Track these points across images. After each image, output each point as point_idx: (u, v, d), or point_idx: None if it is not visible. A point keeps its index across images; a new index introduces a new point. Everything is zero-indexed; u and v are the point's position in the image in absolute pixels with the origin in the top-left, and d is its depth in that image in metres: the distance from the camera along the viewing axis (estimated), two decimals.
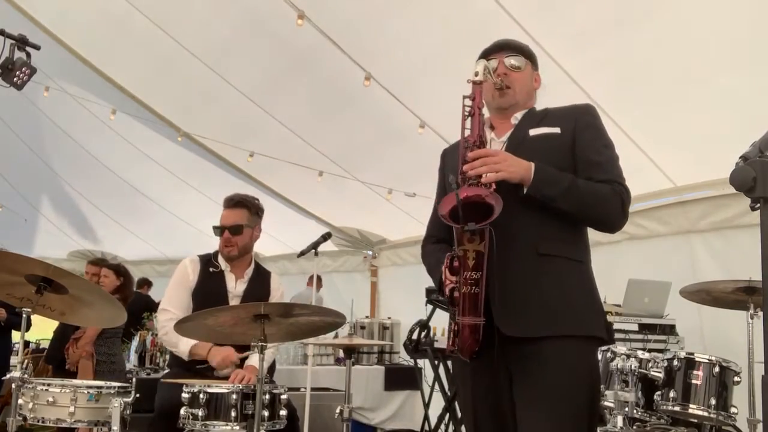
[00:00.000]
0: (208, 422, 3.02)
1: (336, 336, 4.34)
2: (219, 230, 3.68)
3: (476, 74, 2.14)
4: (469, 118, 2.15)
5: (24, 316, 3.03)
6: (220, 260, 3.72)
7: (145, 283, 8.76)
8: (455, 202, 1.98)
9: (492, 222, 1.96)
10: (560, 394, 2.01)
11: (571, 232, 2.18)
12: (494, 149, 2.16)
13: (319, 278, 8.45)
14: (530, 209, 2.09)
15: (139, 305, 6.81)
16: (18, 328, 5.85)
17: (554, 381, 2.01)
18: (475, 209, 1.98)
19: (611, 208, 2.15)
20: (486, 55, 2.31)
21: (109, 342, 5.31)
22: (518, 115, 2.31)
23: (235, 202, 3.70)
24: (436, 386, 5.88)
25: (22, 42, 3.02)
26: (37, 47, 3.09)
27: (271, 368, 3.94)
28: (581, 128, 2.22)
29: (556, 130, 2.21)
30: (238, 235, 3.65)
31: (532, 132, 2.23)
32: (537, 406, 2.02)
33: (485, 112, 2.26)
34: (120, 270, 5.74)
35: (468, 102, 2.15)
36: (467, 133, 2.14)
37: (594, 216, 2.17)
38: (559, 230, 2.14)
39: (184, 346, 3.49)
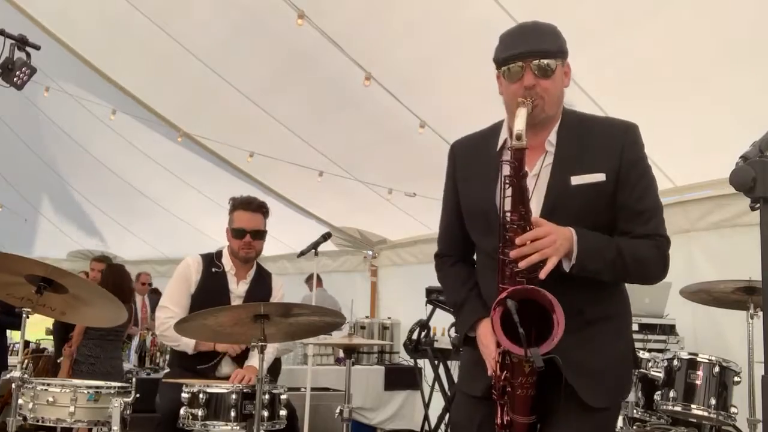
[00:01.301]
0: (207, 422, 3.02)
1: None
2: (240, 233, 3.65)
3: (518, 137, 1.83)
4: (510, 188, 1.89)
5: (24, 316, 3.03)
6: (224, 261, 3.71)
7: (155, 291, 8.79)
8: (505, 308, 1.81)
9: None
10: None
11: (614, 285, 2.11)
12: (542, 228, 1.88)
13: (318, 277, 8.47)
14: (564, 273, 1.93)
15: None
16: (11, 328, 5.88)
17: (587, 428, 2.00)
18: (527, 304, 1.83)
19: (655, 269, 2.06)
20: (509, 60, 1.99)
21: (90, 343, 5.22)
22: (552, 139, 2.03)
23: (256, 206, 3.72)
24: (436, 386, 5.88)
25: (22, 42, 3.02)
26: (37, 47, 3.09)
27: (276, 368, 3.93)
28: (626, 168, 1.99)
29: (601, 177, 1.97)
30: (259, 239, 3.69)
31: (575, 181, 1.97)
32: None
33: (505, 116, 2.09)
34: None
35: (509, 170, 1.88)
36: (507, 204, 1.90)
37: (637, 279, 2.10)
38: (600, 290, 2.04)
39: (187, 339, 3.49)
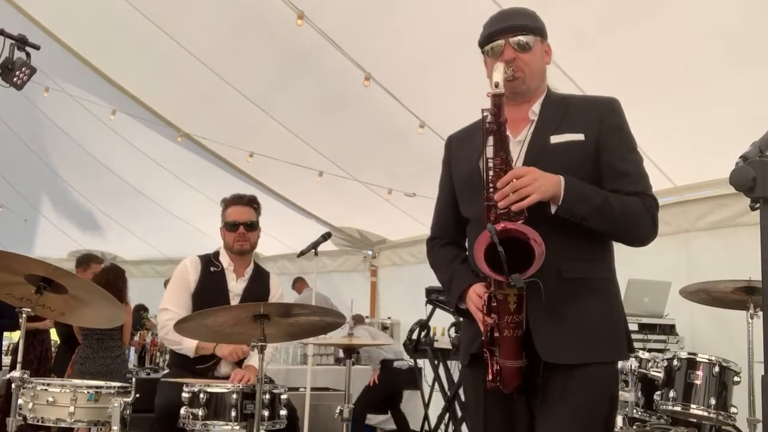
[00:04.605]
0: (208, 422, 3.02)
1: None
2: (233, 226, 3.69)
3: (496, 85, 1.92)
4: (491, 135, 1.96)
5: (24, 316, 3.03)
6: (222, 259, 3.73)
7: (142, 308, 8.84)
8: (489, 241, 1.82)
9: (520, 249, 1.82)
10: (581, 411, 1.97)
11: (596, 250, 2.08)
12: (523, 168, 1.95)
13: (302, 279, 8.53)
14: (554, 229, 1.94)
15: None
16: (6, 329, 5.89)
17: (576, 401, 1.97)
18: (511, 243, 1.84)
19: (643, 224, 2.05)
20: (490, 38, 2.11)
21: (84, 343, 5.17)
22: (535, 109, 2.12)
23: (247, 200, 3.78)
24: (436, 386, 5.88)
25: (22, 42, 3.02)
26: (37, 47, 3.09)
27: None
28: (607, 133, 2.06)
29: (580, 136, 2.05)
30: (253, 231, 3.73)
31: (554, 139, 2.05)
32: (557, 421, 1.98)
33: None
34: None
35: (489, 117, 1.95)
36: (489, 152, 1.96)
37: (625, 233, 2.07)
38: (583, 249, 2.03)
39: (188, 342, 3.50)
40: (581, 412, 1.97)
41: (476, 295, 2.03)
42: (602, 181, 2.05)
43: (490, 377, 2.00)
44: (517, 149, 2.06)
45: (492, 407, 2.09)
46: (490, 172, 1.96)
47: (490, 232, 1.83)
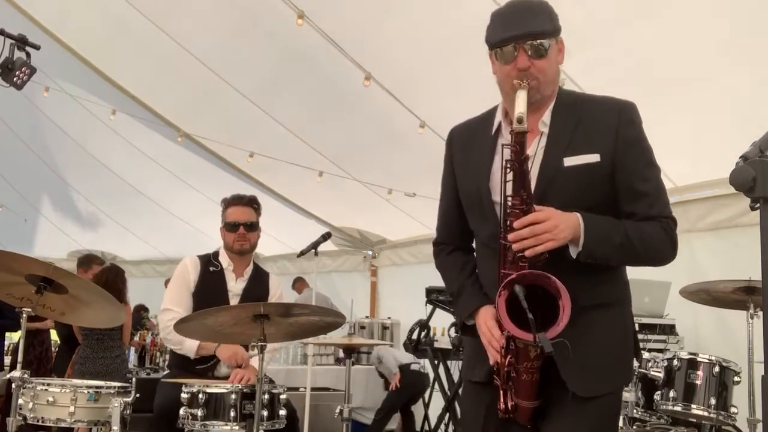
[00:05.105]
0: (207, 422, 3.02)
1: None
2: (233, 226, 3.69)
3: (519, 120, 1.76)
4: (511, 171, 1.83)
5: (24, 316, 3.03)
6: (221, 259, 3.73)
7: (142, 308, 8.85)
8: (511, 293, 1.77)
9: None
10: (587, 421, 1.95)
11: (611, 270, 2.02)
12: (543, 213, 1.82)
13: (302, 279, 8.55)
14: (567, 258, 1.88)
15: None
16: (5, 330, 5.90)
17: (582, 410, 1.94)
18: (534, 286, 1.79)
19: (664, 250, 1.98)
20: (502, 43, 1.93)
21: (83, 343, 5.18)
22: (546, 119, 1.97)
23: (247, 200, 3.79)
24: (436, 386, 5.89)
25: (22, 42, 3.03)
26: (37, 47, 3.10)
27: None
28: (623, 149, 1.93)
29: (595, 157, 1.91)
30: (253, 231, 3.73)
31: (568, 161, 1.91)
32: (564, 426, 1.95)
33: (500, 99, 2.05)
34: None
35: (510, 154, 1.82)
36: (509, 188, 1.84)
37: (646, 262, 2.03)
38: (598, 273, 1.95)
39: (190, 343, 3.49)
40: (587, 422, 1.95)
41: (487, 329, 1.96)
42: (619, 201, 1.97)
43: (502, 407, 1.96)
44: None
45: (492, 423, 2.05)
46: (509, 212, 1.86)
47: (519, 295, 1.75)
